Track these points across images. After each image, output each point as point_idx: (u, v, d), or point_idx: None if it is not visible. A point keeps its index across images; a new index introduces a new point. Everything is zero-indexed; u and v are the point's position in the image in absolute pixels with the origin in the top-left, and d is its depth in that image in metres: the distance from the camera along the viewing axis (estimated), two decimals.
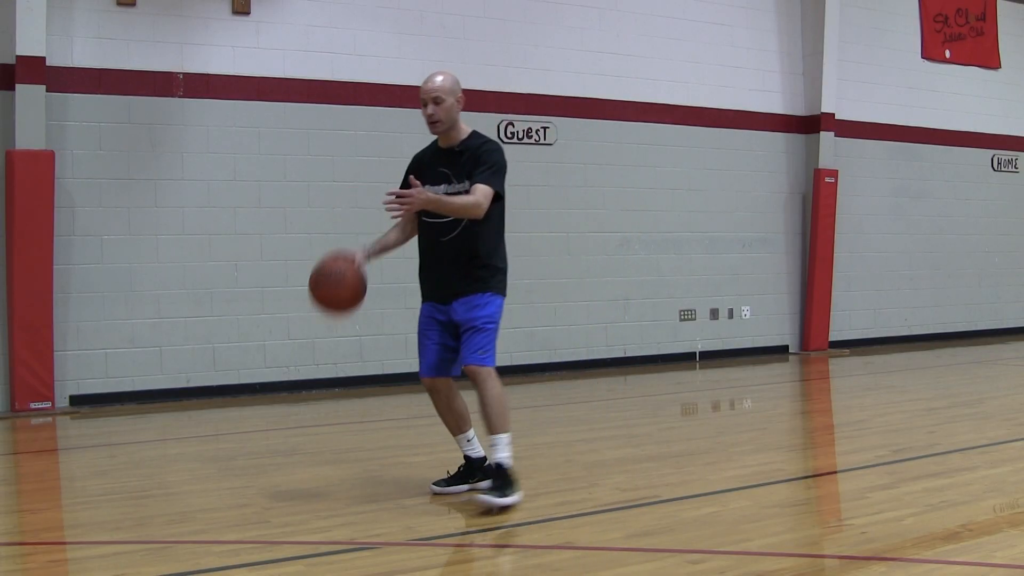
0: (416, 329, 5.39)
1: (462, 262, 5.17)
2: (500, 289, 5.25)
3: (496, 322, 5.18)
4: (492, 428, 5.04)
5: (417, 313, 5.41)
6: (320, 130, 10.38)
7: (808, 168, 13.42)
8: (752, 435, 7.35)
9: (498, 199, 5.18)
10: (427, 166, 5.32)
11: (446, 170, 5.23)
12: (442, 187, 5.19)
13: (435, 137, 5.38)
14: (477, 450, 5.47)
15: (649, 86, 12.26)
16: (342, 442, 7.55)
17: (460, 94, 5.26)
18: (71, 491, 6.14)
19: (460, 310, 5.16)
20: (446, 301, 5.22)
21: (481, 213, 5.06)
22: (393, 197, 4.99)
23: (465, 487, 5.41)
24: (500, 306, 5.22)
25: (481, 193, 5.06)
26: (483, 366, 5.06)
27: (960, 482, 5.45)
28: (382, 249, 5.41)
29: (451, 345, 5.26)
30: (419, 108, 5.29)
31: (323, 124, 10.39)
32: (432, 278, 5.31)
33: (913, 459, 6.15)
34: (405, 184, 5.17)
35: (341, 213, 10.39)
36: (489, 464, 5.27)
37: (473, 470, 5.44)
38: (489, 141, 5.28)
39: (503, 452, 5.03)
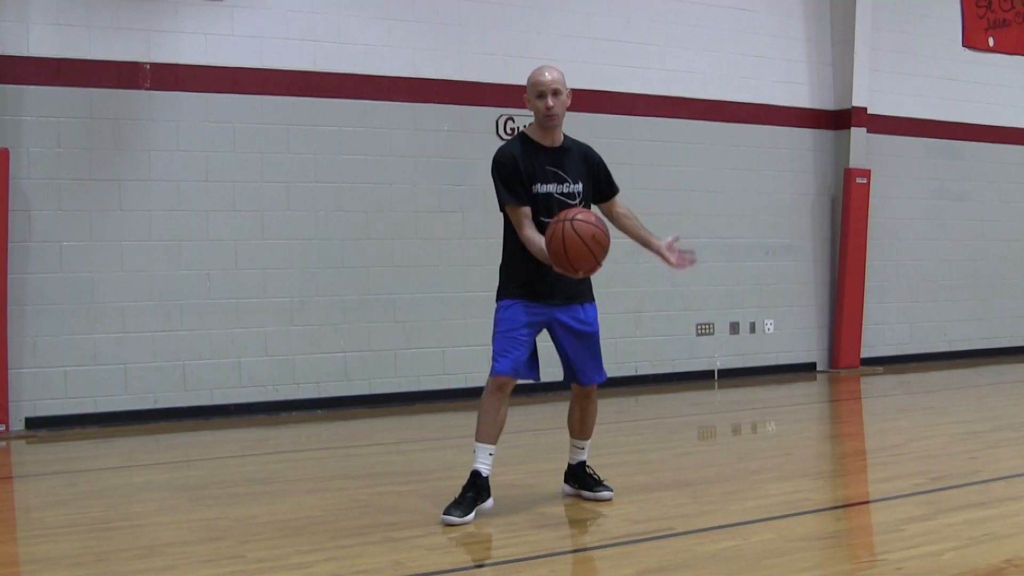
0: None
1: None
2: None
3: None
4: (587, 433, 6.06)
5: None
6: (301, 126, 10.40)
7: (838, 168, 13.45)
8: (776, 461, 7.36)
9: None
10: (535, 165, 5.53)
11: (555, 169, 5.55)
12: (554, 186, 5.53)
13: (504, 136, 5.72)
14: (489, 468, 5.55)
15: (663, 77, 12.29)
16: (325, 469, 7.55)
17: (570, 91, 5.63)
18: (27, 523, 6.15)
19: (571, 316, 5.72)
20: (561, 303, 5.65)
21: None
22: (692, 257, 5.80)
23: (474, 515, 5.45)
24: None
25: (620, 203, 6.00)
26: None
27: (1005, 513, 5.46)
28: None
29: (534, 349, 5.69)
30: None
31: (304, 119, 10.42)
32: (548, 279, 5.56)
33: (953, 488, 6.15)
34: (515, 183, 5.47)
35: (324, 217, 10.42)
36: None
37: (480, 490, 5.49)
38: (585, 146, 5.83)
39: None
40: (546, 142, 5.60)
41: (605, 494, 5.91)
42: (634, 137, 12.06)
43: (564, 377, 5.90)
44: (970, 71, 14.65)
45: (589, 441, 6.04)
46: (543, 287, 5.59)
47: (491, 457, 5.54)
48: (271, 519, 5.69)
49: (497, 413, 5.54)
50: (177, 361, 9.90)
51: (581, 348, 5.76)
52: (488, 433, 5.53)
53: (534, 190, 5.51)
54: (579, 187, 5.59)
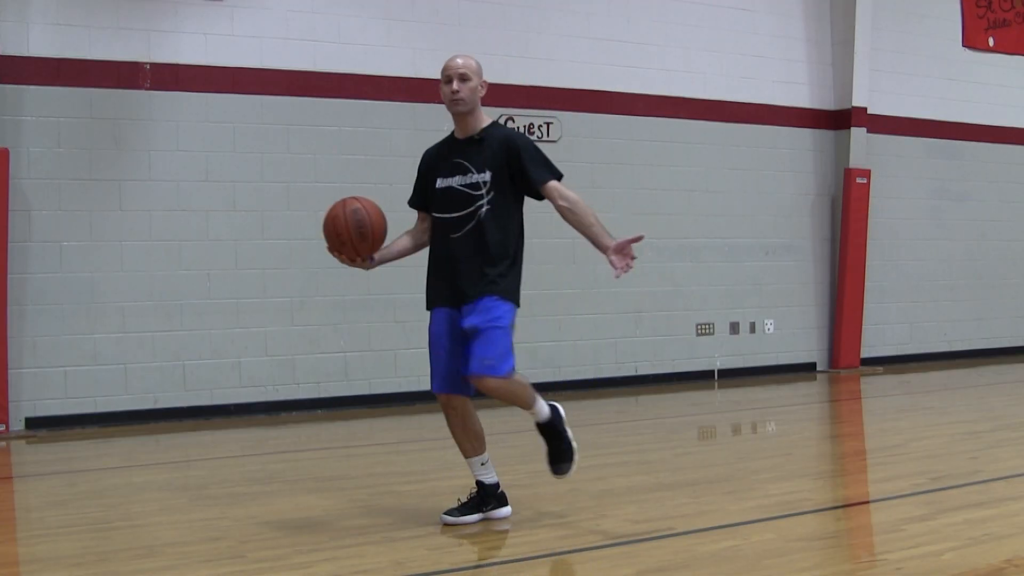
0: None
1: (475, 264, 5.23)
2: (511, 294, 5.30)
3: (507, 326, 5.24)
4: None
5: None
6: (301, 126, 10.41)
7: (838, 168, 13.46)
8: (776, 461, 7.36)
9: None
10: (442, 159, 5.40)
11: (461, 160, 5.31)
12: (456, 178, 5.29)
13: (445, 134, 5.49)
14: (491, 475, 5.50)
15: (663, 77, 12.29)
16: (325, 469, 7.55)
17: (484, 81, 5.43)
18: (27, 523, 6.15)
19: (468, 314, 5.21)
20: (456, 305, 5.28)
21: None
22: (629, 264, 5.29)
23: (478, 516, 5.44)
24: (510, 310, 5.29)
25: (563, 192, 5.28)
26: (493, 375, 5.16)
27: (1005, 513, 5.46)
28: (386, 259, 5.57)
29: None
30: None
31: (304, 119, 10.42)
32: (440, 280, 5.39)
33: (953, 488, 6.15)
34: (417, 182, 5.43)
35: (324, 217, 10.40)
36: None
37: (488, 497, 5.47)
38: (517, 132, 5.52)
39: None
40: (459, 134, 5.39)
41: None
42: (634, 137, 12.07)
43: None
44: (970, 71, 14.65)
45: (480, 457, 5.48)
46: (435, 288, 5.43)
47: (484, 466, 5.48)
48: (271, 519, 5.69)
49: (461, 430, 5.43)
50: (177, 361, 9.90)
51: (473, 343, 5.20)
52: (465, 449, 5.48)
53: (436, 185, 5.36)
54: (485, 176, 5.22)
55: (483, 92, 5.40)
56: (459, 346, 5.26)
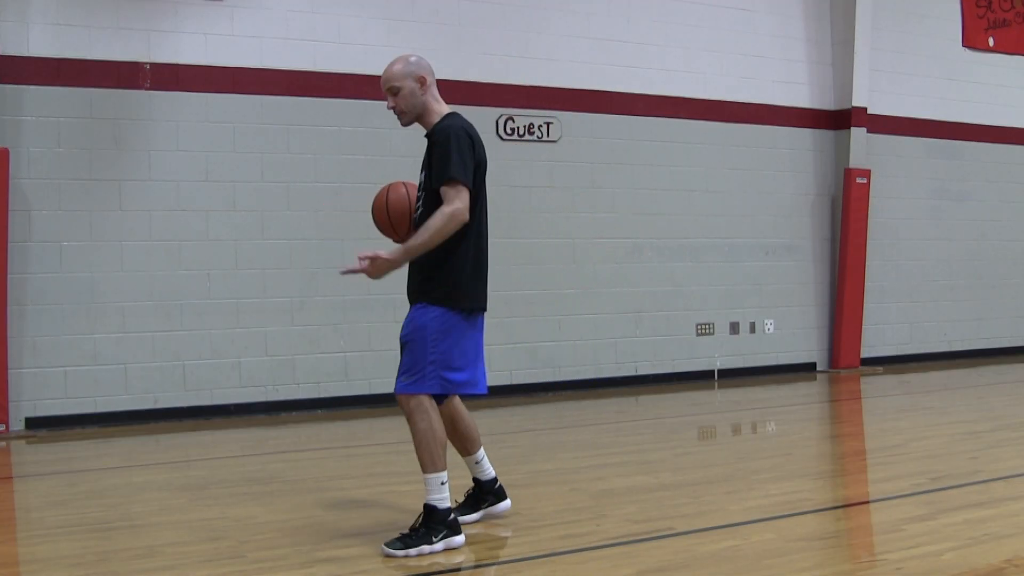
0: None
1: (413, 269, 5.10)
2: (440, 299, 4.98)
3: (424, 337, 4.95)
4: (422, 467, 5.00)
5: None
6: (301, 126, 10.41)
7: (838, 168, 13.46)
8: (776, 461, 7.37)
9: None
10: None
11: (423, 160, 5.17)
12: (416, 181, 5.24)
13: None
14: (488, 471, 5.50)
15: (663, 77, 12.30)
16: (325, 469, 7.55)
17: (421, 74, 5.10)
18: (27, 523, 6.15)
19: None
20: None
21: (463, 218, 4.83)
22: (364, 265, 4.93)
23: (478, 514, 5.46)
24: (438, 317, 4.96)
25: (448, 197, 4.84)
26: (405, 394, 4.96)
27: (1005, 513, 5.46)
28: None
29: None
30: None
31: (304, 119, 10.42)
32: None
33: (953, 488, 6.16)
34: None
35: (324, 217, 10.42)
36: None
37: (484, 493, 5.48)
38: (448, 124, 5.02)
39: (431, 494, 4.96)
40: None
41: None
42: (634, 137, 12.07)
43: None
44: (970, 71, 14.66)
45: (426, 475, 5.01)
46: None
47: (479, 464, 5.47)
48: (271, 519, 5.69)
49: (451, 432, 5.34)
50: (177, 361, 9.90)
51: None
52: (457, 450, 5.46)
53: None
54: (421, 177, 5.08)
55: (425, 88, 5.09)
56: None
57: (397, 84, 5.06)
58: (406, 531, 4.94)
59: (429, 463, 4.92)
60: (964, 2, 14.65)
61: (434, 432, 4.93)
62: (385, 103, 5.17)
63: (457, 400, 5.37)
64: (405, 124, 5.19)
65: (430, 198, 4.95)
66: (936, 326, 14.44)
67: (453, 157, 4.87)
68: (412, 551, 4.81)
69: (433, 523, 4.89)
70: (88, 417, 9.57)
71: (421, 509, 4.96)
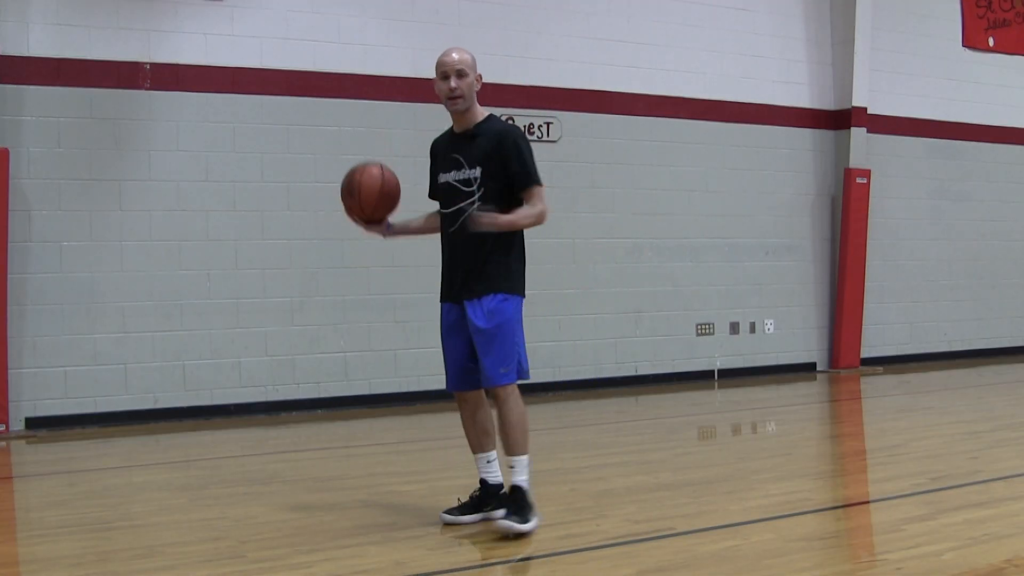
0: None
1: (475, 260, 5.27)
2: (516, 288, 5.32)
3: (512, 328, 5.26)
4: (511, 449, 5.23)
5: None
6: (301, 126, 10.41)
7: (838, 167, 13.46)
8: (776, 461, 7.37)
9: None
10: (443, 154, 5.47)
11: (457, 156, 5.35)
12: (452, 174, 5.35)
13: (450, 124, 5.53)
14: (496, 474, 5.50)
15: (663, 77, 12.29)
16: (325, 469, 7.55)
17: (479, 73, 5.43)
18: (27, 523, 6.15)
19: (472, 313, 5.27)
20: (458, 300, 5.35)
21: (547, 219, 5.29)
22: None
23: (479, 516, 5.44)
24: (517, 307, 5.31)
25: (536, 198, 5.24)
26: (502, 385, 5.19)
27: (1005, 513, 5.46)
28: (405, 231, 5.62)
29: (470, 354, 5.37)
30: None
31: (304, 119, 10.42)
32: (445, 276, 5.45)
33: (953, 488, 6.16)
34: (431, 175, 5.46)
35: (324, 217, 10.41)
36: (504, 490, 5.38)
37: (488, 497, 5.47)
38: (511, 126, 5.46)
39: (522, 475, 5.22)
40: (457, 128, 5.45)
41: (515, 527, 5.14)
42: (634, 137, 12.07)
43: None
44: (970, 71, 14.66)
45: (521, 458, 5.24)
46: (445, 283, 5.49)
47: (490, 464, 5.49)
48: (271, 519, 5.69)
49: (471, 422, 5.47)
50: (177, 361, 9.90)
51: (482, 345, 5.26)
52: (472, 444, 5.52)
53: (439, 180, 5.45)
54: (475, 172, 5.25)
55: (479, 86, 5.42)
56: (464, 341, 5.35)
57: (467, 70, 5.33)
58: (510, 506, 5.16)
59: (524, 444, 5.23)
60: (964, 2, 14.65)
61: (526, 415, 5.27)
62: (439, 85, 5.33)
63: (482, 393, 5.47)
64: (458, 109, 5.34)
65: (491, 190, 5.22)
66: (936, 326, 14.44)
67: (532, 161, 5.28)
68: (530, 524, 5.11)
69: (528, 502, 5.17)
70: (88, 417, 9.56)
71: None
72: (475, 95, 5.38)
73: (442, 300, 5.49)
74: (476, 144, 5.30)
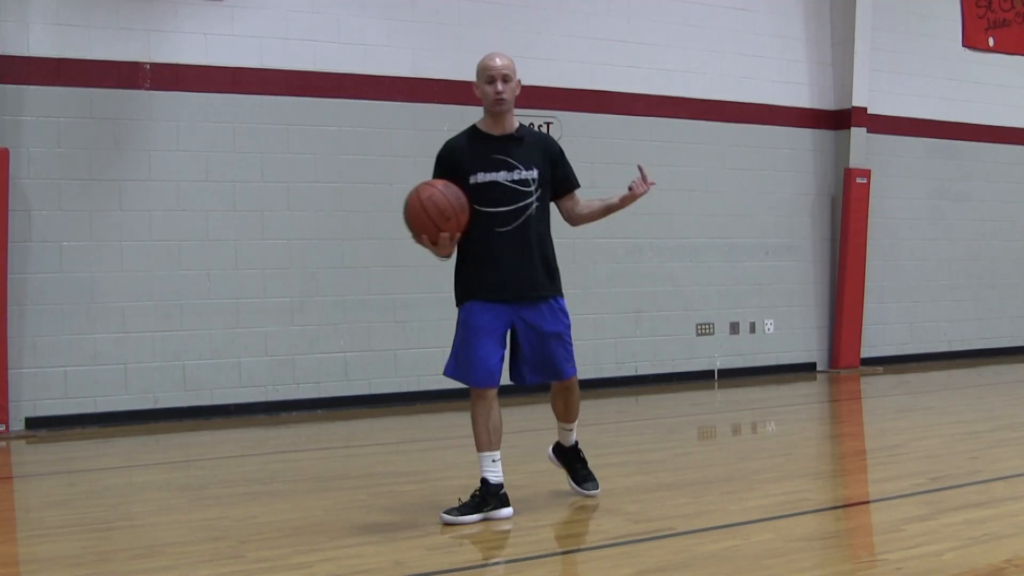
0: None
1: (532, 263, 5.57)
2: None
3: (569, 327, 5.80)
4: (574, 417, 6.01)
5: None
6: (301, 126, 10.41)
7: (838, 168, 13.46)
8: (776, 461, 7.37)
9: None
10: (476, 155, 5.49)
11: (504, 157, 5.48)
12: (502, 174, 5.47)
13: (460, 128, 5.72)
14: (498, 474, 5.51)
15: (663, 77, 12.30)
16: (325, 469, 7.55)
17: (519, 79, 5.60)
18: (26, 523, 6.15)
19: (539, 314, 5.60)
20: (506, 299, 5.53)
21: None
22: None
23: (478, 516, 5.43)
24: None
25: (578, 198, 5.84)
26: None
27: (1005, 513, 5.46)
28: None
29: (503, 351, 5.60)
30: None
31: (304, 119, 10.42)
32: (492, 275, 5.54)
33: (953, 488, 6.15)
34: (446, 176, 5.47)
35: (324, 217, 10.42)
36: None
37: (489, 497, 5.47)
38: (544, 137, 5.89)
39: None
40: (495, 131, 5.55)
41: (592, 491, 6.00)
42: (634, 137, 12.06)
43: (526, 377, 5.67)
44: (970, 71, 14.66)
45: (575, 423, 6.08)
46: (491, 282, 5.53)
47: (495, 463, 5.49)
48: (271, 519, 5.69)
49: (485, 419, 5.49)
50: (177, 361, 9.90)
51: (554, 344, 5.63)
52: (481, 441, 5.52)
53: (473, 180, 5.44)
54: (533, 173, 5.52)
55: (519, 91, 5.61)
56: (500, 339, 5.54)
57: (512, 75, 5.52)
58: (584, 471, 6.04)
59: (577, 416, 6.02)
60: (964, 2, 14.65)
61: None
62: (483, 88, 5.48)
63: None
64: (504, 111, 5.52)
65: (544, 193, 5.61)
66: (936, 326, 14.45)
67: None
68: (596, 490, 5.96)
69: (585, 462, 6.08)
70: (88, 417, 9.57)
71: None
72: (513, 101, 5.58)
73: (480, 299, 5.53)
74: (525, 146, 5.55)
